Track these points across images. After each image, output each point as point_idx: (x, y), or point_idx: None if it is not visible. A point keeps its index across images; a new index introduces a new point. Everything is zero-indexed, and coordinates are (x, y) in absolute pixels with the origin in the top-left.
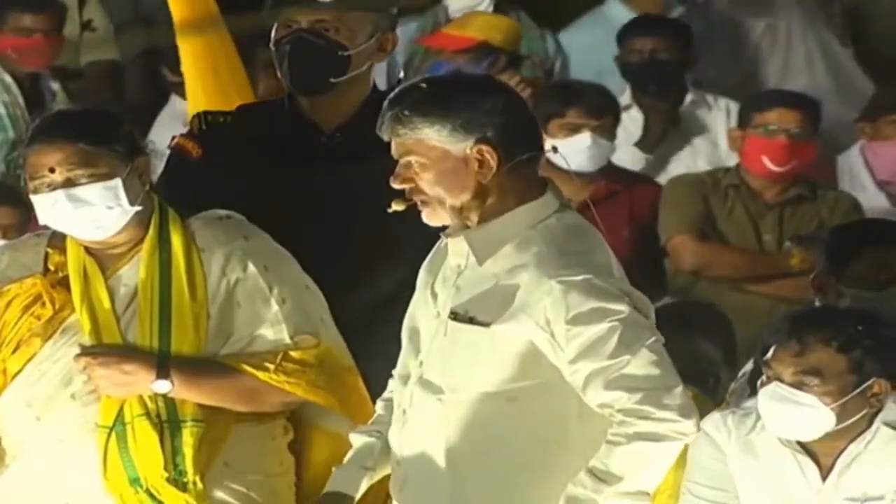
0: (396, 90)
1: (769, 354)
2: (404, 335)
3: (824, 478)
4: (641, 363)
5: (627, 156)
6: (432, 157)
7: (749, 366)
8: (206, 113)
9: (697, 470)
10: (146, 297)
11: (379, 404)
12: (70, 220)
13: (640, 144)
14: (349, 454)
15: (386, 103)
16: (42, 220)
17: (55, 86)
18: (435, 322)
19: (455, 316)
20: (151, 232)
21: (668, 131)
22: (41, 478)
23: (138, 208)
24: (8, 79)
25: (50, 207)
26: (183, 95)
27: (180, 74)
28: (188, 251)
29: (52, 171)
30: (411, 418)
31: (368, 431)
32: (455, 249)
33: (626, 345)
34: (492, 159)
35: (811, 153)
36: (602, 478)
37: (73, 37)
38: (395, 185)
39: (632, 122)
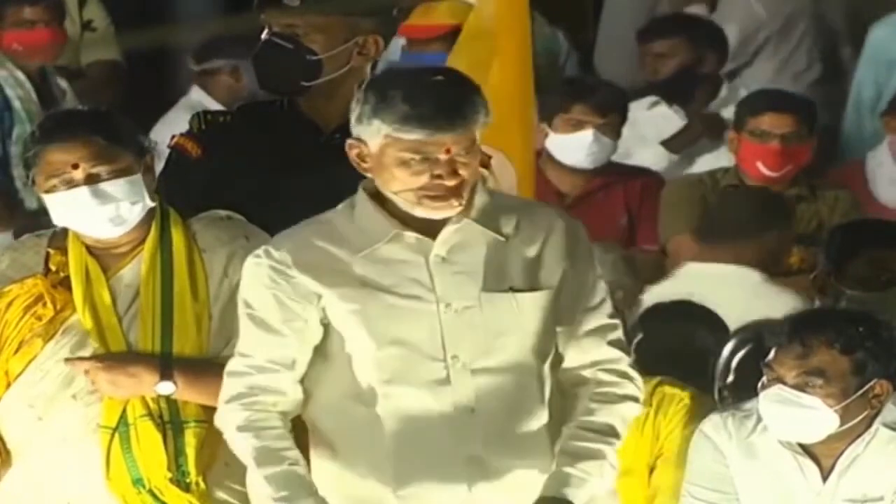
0: (445, 79)
1: (770, 357)
2: (388, 351)
3: (824, 479)
4: (621, 328)
5: (652, 154)
6: (478, 144)
7: None
8: (205, 112)
9: (697, 472)
10: (148, 297)
11: (259, 434)
12: (90, 217)
13: (668, 143)
14: (289, 486)
15: (443, 94)
16: (57, 220)
17: (63, 83)
18: (451, 313)
19: (512, 289)
20: (153, 232)
21: (702, 135)
22: (43, 478)
23: (154, 204)
24: (20, 75)
25: (69, 205)
26: (202, 86)
27: (201, 64)
28: (189, 252)
29: (75, 167)
30: (486, 407)
31: (282, 459)
32: (444, 238)
33: (613, 307)
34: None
35: (807, 156)
36: (608, 433)
37: (73, 37)
38: (451, 182)
39: (663, 118)
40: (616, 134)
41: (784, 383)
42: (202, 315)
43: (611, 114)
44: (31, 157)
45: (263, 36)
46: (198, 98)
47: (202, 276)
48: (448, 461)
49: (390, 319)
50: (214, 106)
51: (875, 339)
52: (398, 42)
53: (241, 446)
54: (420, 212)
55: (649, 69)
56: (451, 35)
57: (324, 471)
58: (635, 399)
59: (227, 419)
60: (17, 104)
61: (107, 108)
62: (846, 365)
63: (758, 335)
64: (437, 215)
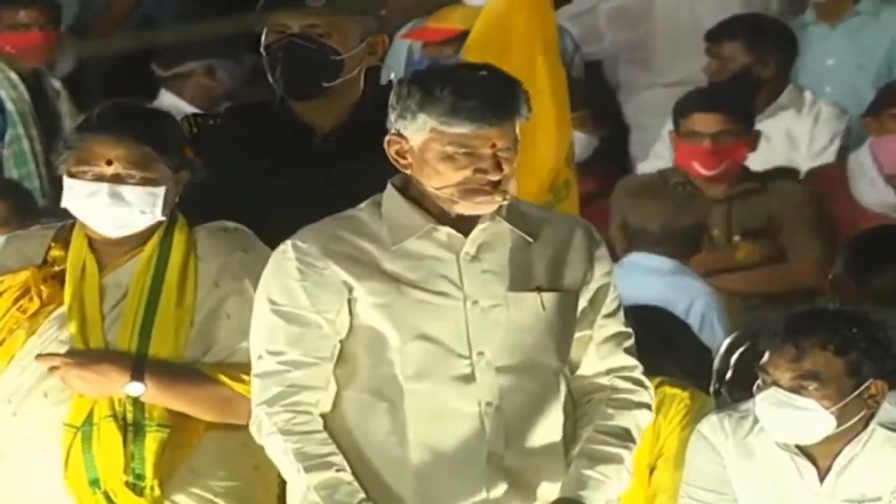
0: (489, 74)
1: (764, 359)
2: (415, 346)
3: (822, 479)
4: (633, 336)
5: None
6: (517, 144)
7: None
8: (194, 115)
9: (695, 473)
10: (134, 298)
11: (303, 439)
12: (100, 214)
13: None
14: (337, 493)
15: (489, 88)
16: (66, 204)
17: (57, 84)
18: (477, 311)
19: (539, 289)
20: (155, 236)
21: None
22: (14, 476)
23: (164, 218)
24: (14, 76)
25: (86, 196)
26: (172, 90)
27: (170, 69)
28: (186, 259)
29: (109, 163)
30: (509, 405)
31: (328, 466)
32: (475, 235)
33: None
34: None
35: (742, 152)
36: (625, 437)
37: None
38: (496, 176)
39: None
40: (589, 129)
41: (779, 386)
42: (183, 321)
43: (580, 109)
44: (75, 139)
45: (272, 38)
46: (171, 102)
47: (192, 284)
48: (469, 458)
49: (418, 315)
50: (189, 109)
51: (869, 340)
52: (400, 48)
53: (281, 449)
54: (460, 208)
55: (714, 69)
56: (463, 39)
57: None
58: (649, 407)
59: (266, 422)
60: (9, 106)
61: (163, 112)
62: (841, 366)
63: (754, 334)
64: (478, 210)
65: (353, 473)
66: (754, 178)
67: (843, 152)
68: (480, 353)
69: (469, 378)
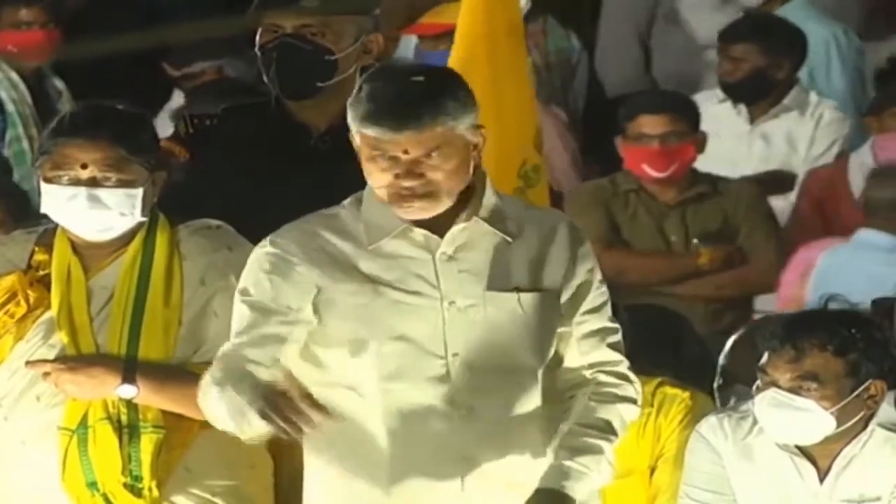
0: (423, 79)
1: (763, 360)
2: (391, 347)
3: (822, 480)
4: (620, 332)
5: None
6: (457, 147)
7: None
8: (191, 115)
9: (695, 473)
10: (121, 300)
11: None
12: (79, 218)
13: None
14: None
15: (405, 94)
16: (45, 209)
17: (60, 84)
18: (454, 311)
19: (517, 289)
20: (138, 237)
21: None
22: (8, 479)
23: (144, 219)
24: (15, 76)
25: (64, 201)
26: (184, 89)
27: (180, 69)
28: (170, 259)
29: (84, 167)
30: (483, 405)
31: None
32: (452, 236)
33: (611, 312)
34: (482, 143)
35: (690, 154)
36: (606, 430)
37: None
38: (408, 183)
39: (725, 116)
40: None
41: (779, 387)
42: (171, 321)
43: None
44: (49, 144)
45: (267, 37)
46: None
47: (178, 284)
48: (443, 458)
49: (394, 315)
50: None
51: (868, 340)
52: (408, 45)
53: (217, 397)
54: (396, 211)
55: (725, 70)
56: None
57: (317, 470)
58: (634, 401)
59: (205, 382)
60: (10, 107)
61: (139, 113)
62: (840, 367)
63: (754, 334)
64: (409, 217)
65: (329, 474)
66: (705, 181)
67: (843, 157)
68: (456, 354)
69: (444, 378)
